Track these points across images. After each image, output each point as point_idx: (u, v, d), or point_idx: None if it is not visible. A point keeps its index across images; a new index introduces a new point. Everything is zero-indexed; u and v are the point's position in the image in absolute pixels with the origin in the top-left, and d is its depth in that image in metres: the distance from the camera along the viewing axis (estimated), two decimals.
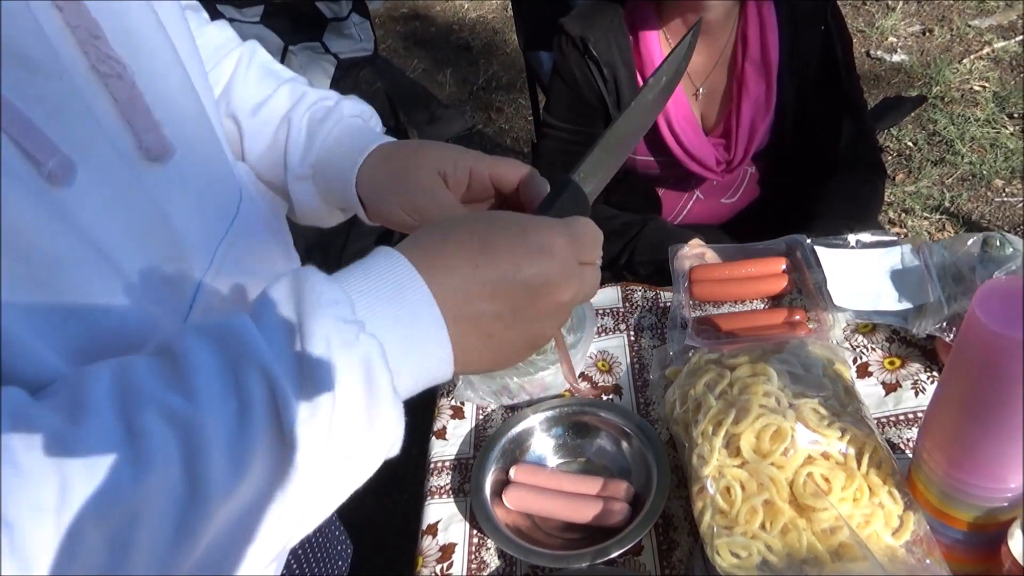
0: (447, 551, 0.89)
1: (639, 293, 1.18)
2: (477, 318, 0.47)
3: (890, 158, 2.72)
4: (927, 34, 3.31)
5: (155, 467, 0.37)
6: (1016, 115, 2.82)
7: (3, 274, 0.40)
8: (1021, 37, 3.16)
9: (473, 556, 0.88)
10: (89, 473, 0.36)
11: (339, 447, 0.41)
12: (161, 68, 0.55)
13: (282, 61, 2.11)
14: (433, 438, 1.03)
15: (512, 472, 0.92)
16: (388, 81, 2.18)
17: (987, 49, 3.15)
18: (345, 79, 2.18)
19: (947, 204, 2.52)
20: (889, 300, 1.02)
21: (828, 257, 1.09)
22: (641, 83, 1.37)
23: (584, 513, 0.87)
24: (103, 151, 0.48)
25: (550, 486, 0.91)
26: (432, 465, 0.99)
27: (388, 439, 0.44)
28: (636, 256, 1.32)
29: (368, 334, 0.42)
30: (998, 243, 0.96)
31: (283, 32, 2.12)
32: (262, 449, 0.39)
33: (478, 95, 3.45)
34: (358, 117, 0.75)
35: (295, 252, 0.73)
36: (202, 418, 0.38)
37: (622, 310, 1.16)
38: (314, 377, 0.40)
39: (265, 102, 0.75)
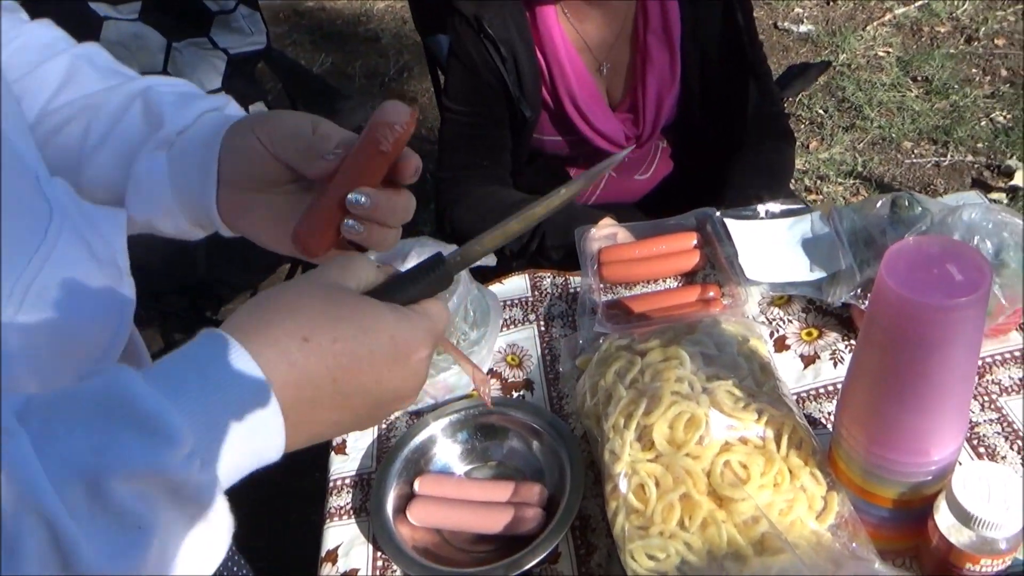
0: None
1: (548, 280, 1.12)
2: (318, 426, 0.46)
3: (802, 126, 2.74)
4: (831, 3, 3.35)
5: None
6: (919, 78, 2.87)
7: None
8: (920, 2, 3.22)
9: None
10: None
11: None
12: None
13: (166, 61, 1.98)
14: (332, 454, 0.94)
15: (416, 485, 0.85)
16: (284, 75, 2.07)
17: (888, 15, 3.21)
18: (238, 76, 2.05)
19: (860, 168, 2.55)
20: (802, 270, 0.98)
21: (738, 229, 1.04)
22: (541, 60, 1.32)
23: (495, 522, 0.80)
24: None
25: (458, 496, 0.84)
26: (331, 484, 0.91)
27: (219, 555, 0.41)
28: (547, 240, 1.26)
29: (203, 467, 0.39)
30: (907, 203, 0.93)
31: (165, 29, 1.97)
32: None
33: (389, 86, 3.34)
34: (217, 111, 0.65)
35: (130, 279, 0.60)
36: None
37: (531, 299, 1.09)
38: (117, 514, 0.36)
39: (114, 88, 0.65)
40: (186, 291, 2.13)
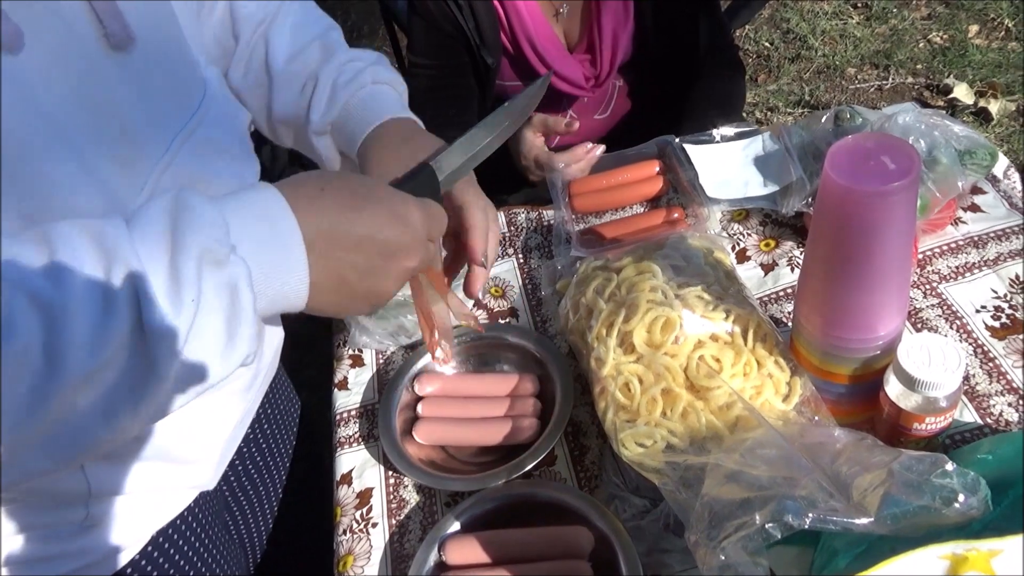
0: (364, 496, 0.88)
1: (523, 215, 1.18)
2: (335, 263, 0.52)
3: (750, 60, 2.81)
4: None
5: (16, 339, 0.40)
6: (860, 4, 2.95)
7: None
8: None
9: (392, 496, 0.88)
10: None
11: (196, 352, 0.46)
12: None
13: None
14: (335, 390, 1.01)
15: (420, 408, 0.92)
16: None
17: None
18: None
19: (807, 98, 2.63)
20: (756, 186, 1.06)
21: (697, 153, 1.11)
22: (498, 7, 1.35)
23: (495, 435, 0.87)
24: (58, 31, 0.53)
25: (460, 416, 0.91)
26: (338, 416, 0.97)
27: (244, 352, 0.49)
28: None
29: (239, 257, 0.47)
30: (848, 115, 1.00)
31: None
32: (121, 341, 0.43)
33: None
34: (385, 84, 0.81)
35: (255, 157, 0.76)
36: (65, 303, 0.42)
37: (508, 234, 1.16)
38: (178, 286, 0.44)
39: (296, 56, 0.81)
40: None
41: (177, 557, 0.79)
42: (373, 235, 0.53)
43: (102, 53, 0.57)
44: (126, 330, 0.43)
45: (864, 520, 0.55)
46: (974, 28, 2.72)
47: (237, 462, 0.91)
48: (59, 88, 0.53)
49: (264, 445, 0.96)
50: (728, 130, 1.15)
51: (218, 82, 0.77)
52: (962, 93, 2.44)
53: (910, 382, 0.71)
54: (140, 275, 0.44)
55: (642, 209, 1.14)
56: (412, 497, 0.87)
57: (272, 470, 0.99)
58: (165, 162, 0.63)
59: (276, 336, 0.86)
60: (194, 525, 0.81)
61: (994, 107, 2.38)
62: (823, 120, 1.04)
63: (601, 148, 1.21)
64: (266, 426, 0.96)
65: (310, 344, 1.49)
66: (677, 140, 1.13)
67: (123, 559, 0.73)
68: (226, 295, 0.46)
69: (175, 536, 0.78)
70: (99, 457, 0.64)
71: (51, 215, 0.51)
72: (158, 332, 0.44)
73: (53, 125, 0.52)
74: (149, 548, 0.76)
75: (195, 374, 0.47)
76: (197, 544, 0.82)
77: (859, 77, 2.68)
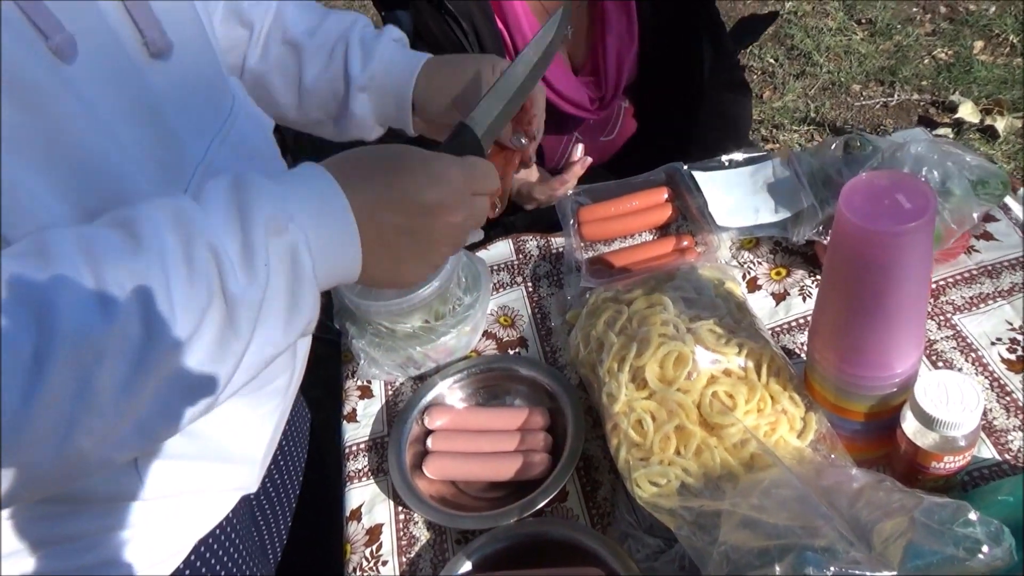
0: (374, 533, 0.87)
1: (531, 243, 1.17)
2: (383, 227, 0.55)
3: (755, 77, 2.81)
4: None
5: (119, 315, 0.44)
6: (863, 20, 2.95)
7: (18, 128, 0.47)
8: None
9: (402, 533, 0.87)
10: (65, 314, 0.42)
11: (269, 314, 0.50)
12: None
13: None
14: (344, 422, 1.00)
15: (429, 442, 0.91)
16: None
17: None
18: None
19: (812, 114, 2.63)
20: (767, 212, 1.05)
21: (706, 180, 1.11)
22: (504, 30, 1.36)
23: (506, 470, 0.87)
24: (106, 40, 0.55)
25: (470, 450, 0.90)
26: (347, 450, 0.97)
27: (307, 314, 0.53)
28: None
29: (296, 226, 0.51)
30: (858, 144, 1.00)
31: None
32: (206, 309, 0.47)
33: None
34: (401, 40, 0.90)
35: (283, 161, 0.78)
36: (157, 278, 0.45)
37: (516, 262, 1.15)
38: (251, 254, 0.48)
39: (319, 27, 0.88)
40: None
41: (217, 566, 0.79)
42: (413, 197, 0.56)
43: (144, 61, 0.59)
44: (210, 300, 0.47)
45: (888, 573, 0.54)
46: (979, 44, 2.72)
47: (267, 470, 0.91)
48: (109, 96, 0.55)
49: (282, 453, 0.96)
50: (737, 155, 1.14)
51: (241, 90, 0.78)
52: (968, 112, 2.43)
53: (927, 420, 0.70)
54: (216, 246, 0.47)
55: (651, 237, 1.13)
56: (422, 534, 0.86)
57: (289, 480, 0.99)
58: (204, 165, 0.64)
59: (305, 343, 0.86)
60: (231, 533, 0.81)
61: (1000, 124, 2.38)
62: (832, 148, 1.03)
63: (588, 160, 1.23)
64: (283, 437, 0.96)
65: (316, 364, 1.48)
66: (686, 167, 1.13)
67: (168, 568, 0.73)
68: (288, 260, 0.50)
69: (215, 545, 0.79)
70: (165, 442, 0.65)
71: (105, 207, 0.52)
72: (238, 297, 0.48)
73: (109, 131, 0.54)
74: (192, 557, 0.75)
75: (267, 339, 0.51)
76: (234, 552, 0.82)
77: (864, 94, 2.68)
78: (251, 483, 0.80)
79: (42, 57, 0.49)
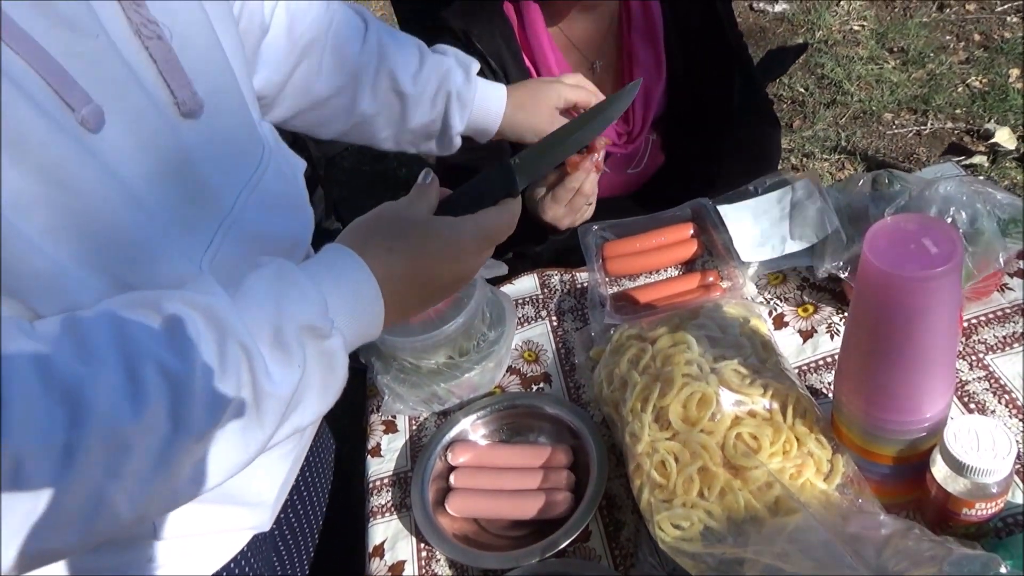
0: (396, 570, 0.87)
1: (556, 277, 1.18)
2: (403, 303, 0.62)
3: (785, 106, 2.80)
4: None
5: (149, 408, 0.45)
6: (895, 49, 2.93)
7: (48, 204, 0.48)
8: None
9: (424, 570, 0.87)
10: (97, 407, 0.43)
11: (298, 404, 0.54)
12: (193, 30, 0.63)
13: None
14: (368, 457, 1.00)
15: (452, 479, 0.91)
16: None
17: None
18: None
19: (843, 143, 2.61)
20: (795, 241, 1.04)
21: (731, 214, 1.10)
22: (531, 67, 1.37)
23: (528, 509, 0.86)
24: (138, 103, 0.56)
25: (493, 487, 0.90)
26: (371, 485, 0.97)
27: (331, 403, 0.57)
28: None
29: (337, 330, 0.55)
30: (886, 181, 0.99)
31: None
32: (234, 405, 0.49)
33: None
34: (470, 67, 1.02)
35: (310, 208, 0.81)
36: (190, 375, 0.47)
37: (541, 297, 1.15)
38: (288, 356, 0.52)
39: (419, 73, 0.97)
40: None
41: None
42: (433, 279, 0.63)
43: (174, 122, 0.60)
44: (238, 392, 0.49)
45: None
46: (1015, 72, 2.68)
47: (287, 503, 0.92)
48: (138, 161, 0.56)
49: (305, 484, 0.97)
50: (762, 181, 1.13)
51: (273, 136, 0.79)
52: (1004, 138, 2.39)
53: (958, 467, 0.69)
54: (249, 346, 0.50)
55: (676, 272, 1.13)
56: (444, 572, 0.86)
57: (312, 511, 0.99)
58: (231, 219, 0.65)
59: None
60: (246, 568, 0.81)
61: None
62: (860, 184, 1.02)
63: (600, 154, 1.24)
64: (307, 468, 0.96)
65: (343, 394, 1.50)
66: (711, 202, 1.12)
67: None
68: (326, 362, 0.54)
69: None
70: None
71: (137, 279, 0.55)
72: (267, 393, 0.51)
73: (134, 198, 0.55)
74: None
75: (294, 425, 0.55)
76: None
77: (896, 122, 2.65)
78: (263, 523, 0.80)
79: (69, 132, 0.50)
